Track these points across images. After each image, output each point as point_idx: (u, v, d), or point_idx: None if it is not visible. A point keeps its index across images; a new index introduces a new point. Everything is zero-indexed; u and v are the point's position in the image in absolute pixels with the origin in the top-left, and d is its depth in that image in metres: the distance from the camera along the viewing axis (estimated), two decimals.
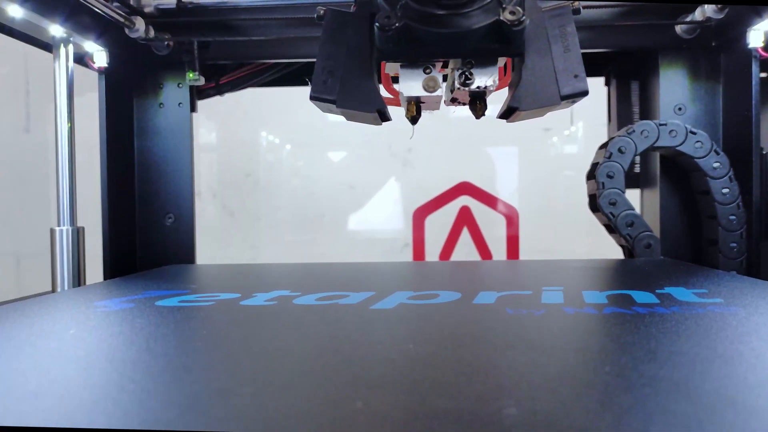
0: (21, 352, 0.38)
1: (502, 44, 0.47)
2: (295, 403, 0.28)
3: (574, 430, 0.24)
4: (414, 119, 0.53)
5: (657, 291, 0.54)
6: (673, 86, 0.85)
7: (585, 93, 0.49)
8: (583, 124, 1.57)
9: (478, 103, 0.52)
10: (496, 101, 0.54)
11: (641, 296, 0.52)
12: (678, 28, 0.83)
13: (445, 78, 0.55)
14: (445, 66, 0.53)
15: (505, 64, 0.57)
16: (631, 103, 0.94)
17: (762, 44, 0.75)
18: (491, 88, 0.50)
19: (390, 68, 0.57)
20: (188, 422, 0.25)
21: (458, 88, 0.50)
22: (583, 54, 0.49)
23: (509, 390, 0.29)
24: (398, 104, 0.55)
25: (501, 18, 0.45)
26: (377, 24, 0.45)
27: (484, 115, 0.52)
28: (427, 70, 0.50)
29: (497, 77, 0.50)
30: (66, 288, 0.72)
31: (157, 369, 0.34)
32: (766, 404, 0.26)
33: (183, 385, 0.31)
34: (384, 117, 0.52)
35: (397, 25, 0.45)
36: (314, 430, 0.25)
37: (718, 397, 0.27)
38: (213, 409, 0.27)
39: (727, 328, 0.40)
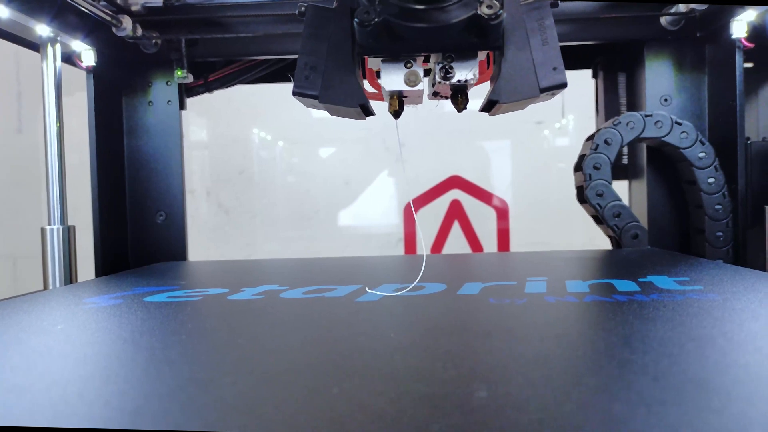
0: (6, 348, 0.38)
1: (480, 38, 0.47)
2: (272, 389, 0.29)
3: (541, 409, 0.25)
4: (397, 113, 0.53)
5: (639, 279, 0.55)
6: (659, 77, 0.86)
7: (563, 85, 0.49)
8: (574, 117, 1.58)
9: (459, 96, 0.52)
10: (481, 96, 0.54)
11: (623, 285, 0.52)
12: (663, 20, 0.84)
13: (426, 72, 0.55)
14: (426, 60, 0.53)
15: (488, 58, 0.57)
16: (618, 95, 0.95)
17: (745, 35, 0.75)
18: (472, 82, 0.51)
19: (373, 63, 0.57)
20: (167, 409, 0.26)
21: (439, 82, 0.50)
22: (570, 47, 0.50)
23: (483, 375, 0.30)
24: (383, 99, 0.56)
25: (478, 12, 0.45)
26: (357, 19, 0.45)
27: (465, 108, 0.52)
28: (408, 65, 0.50)
29: (477, 71, 0.50)
30: (57, 286, 0.72)
31: (142, 362, 0.34)
32: (731, 383, 0.27)
33: (166, 376, 0.31)
34: (367, 111, 0.52)
35: (376, 20, 0.45)
36: (289, 414, 0.25)
37: (684, 377, 0.28)
38: (192, 398, 0.27)
39: (701, 314, 0.41)
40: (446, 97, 0.54)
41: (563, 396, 0.26)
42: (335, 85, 0.50)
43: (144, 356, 0.35)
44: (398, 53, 0.50)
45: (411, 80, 0.50)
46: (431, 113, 1.54)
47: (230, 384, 0.29)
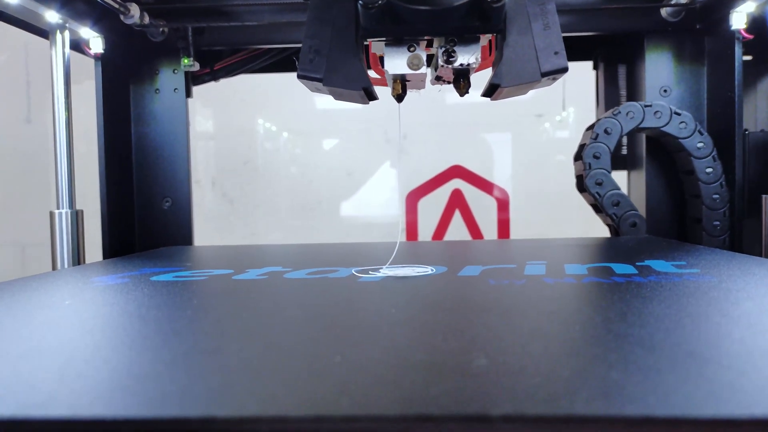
0: (15, 321, 0.39)
1: (482, 21, 0.48)
2: (276, 356, 0.30)
3: (540, 375, 0.25)
4: (399, 97, 0.54)
5: (637, 263, 0.56)
6: (659, 69, 0.87)
7: (565, 70, 0.50)
8: (575, 109, 1.59)
9: (461, 80, 0.53)
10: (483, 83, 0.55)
11: (621, 268, 0.53)
12: (663, 11, 0.85)
13: (429, 59, 0.56)
14: (429, 46, 0.54)
15: (489, 44, 0.58)
16: (619, 86, 0.95)
17: (744, 26, 0.76)
18: (474, 66, 0.51)
19: (377, 49, 0.58)
20: (174, 376, 0.27)
21: (442, 66, 0.51)
22: (570, 38, 0.50)
23: (482, 346, 0.31)
24: (386, 84, 0.57)
25: None
26: (361, 2, 0.46)
27: (467, 92, 0.53)
28: (412, 49, 0.51)
29: (480, 55, 0.51)
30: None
31: (150, 333, 0.35)
32: (723, 355, 0.28)
33: (172, 345, 0.32)
34: (370, 95, 0.53)
35: (380, 2, 0.46)
36: (294, 380, 0.26)
37: (678, 349, 0.28)
38: (197, 365, 0.28)
39: (697, 293, 0.41)
40: (449, 82, 0.55)
41: (560, 364, 0.27)
42: (339, 68, 0.51)
43: (151, 328, 0.36)
44: (401, 36, 0.50)
45: (414, 64, 0.51)
46: (436, 104, 1.55)
47: (236, 351, 0.30)
